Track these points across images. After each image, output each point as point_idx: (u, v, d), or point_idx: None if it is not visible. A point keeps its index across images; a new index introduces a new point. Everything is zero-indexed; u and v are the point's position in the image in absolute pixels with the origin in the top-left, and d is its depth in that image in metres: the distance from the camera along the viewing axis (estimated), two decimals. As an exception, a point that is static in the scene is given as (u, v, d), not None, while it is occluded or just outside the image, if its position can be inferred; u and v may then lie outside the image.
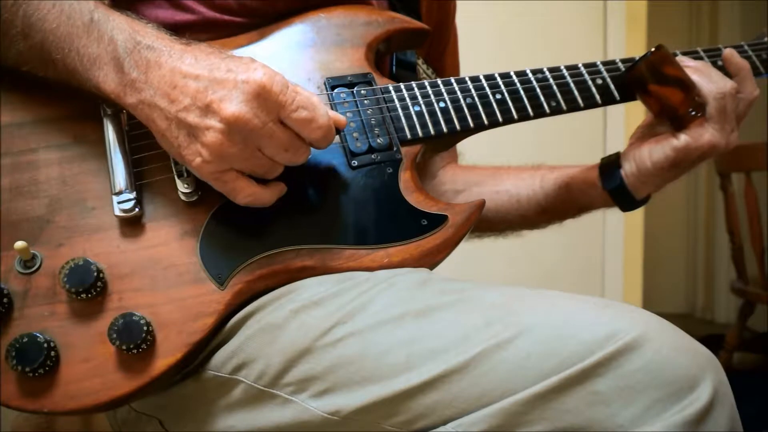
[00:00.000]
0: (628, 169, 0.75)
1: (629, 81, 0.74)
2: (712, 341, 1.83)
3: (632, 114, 2.19)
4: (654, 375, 0.47)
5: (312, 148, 0.60)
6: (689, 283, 4.00)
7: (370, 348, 0.54)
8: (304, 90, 0.57)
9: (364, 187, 0.64)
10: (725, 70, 0.76)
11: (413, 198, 0.65)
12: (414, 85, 0.70)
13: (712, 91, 0.71)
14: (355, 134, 0.66)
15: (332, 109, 0.67)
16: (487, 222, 0.91)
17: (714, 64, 0.77)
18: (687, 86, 0.71)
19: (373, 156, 0.66)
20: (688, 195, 3.95)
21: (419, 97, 0.69)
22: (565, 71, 0.74)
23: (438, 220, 0.64)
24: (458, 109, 0.70)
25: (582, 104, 0.74)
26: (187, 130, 0.56)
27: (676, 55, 0.77)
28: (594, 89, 0.74)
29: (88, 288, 0.55)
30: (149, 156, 0.62)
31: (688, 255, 3.98)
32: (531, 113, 0.72)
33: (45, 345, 0.53)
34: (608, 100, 0.75)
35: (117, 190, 0.59)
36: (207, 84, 0.55)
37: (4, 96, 0.63)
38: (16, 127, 0.62)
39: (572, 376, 0.48)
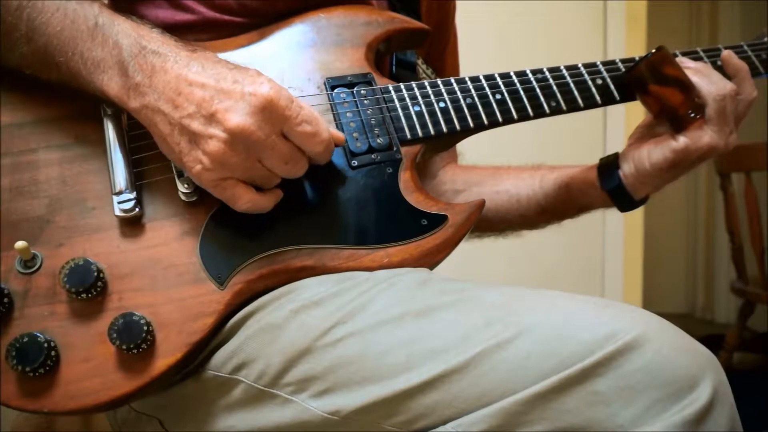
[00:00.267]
0: (626, 169, 0.76)
1: (629, 81, 0.74)
2: (712, 341, 1.83)
3: (632, 114, 2.19)
4: (654, 375, 0.47)
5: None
6: (689, 283, 4.00)
7: (370, 348, 0.54)
8: (307, 106, 0.58)
9: (364, 187, 0.65)
10: (725, 71, 0.76)
11: (413, 198, 0.65)
12: (414, 85, 0.70)
13: (712, 92, 0.71)
14: (355, 134, 0.66)
15: (332, 109, 0.67)
16: (487, 222, 0.91)
17: (714, 64, 0.77)
18: (687, 87, 0.71)
19: (373, 156, 0.66)
20: (688, 195, 3.95)
21: (419, 97, 0.69)
22: (564, 71, 0.74)
23: (438, 220, 0.64)
24: (458, 109, 0.70)
25: (582, 104, 0.74)
26: (189, 137, 0.56)
27: (676, 55, 0.77)
28: (594, 89, 0.74)
29: (88, 288, 0.55)
30: (149, 156, 0.62)
31: (688, 255, 3.98)
32: (531, 113, 0.72)
33: (45, 345, 0.53)
34: (608, 100, 0.75)
35: (117, 190, 0.59)
36: (213, 93, 0.55)
37: (4, 96, 0.63)
38: (16, 127, 0.62)
39: (572, 376, 0.48)
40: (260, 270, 0.60)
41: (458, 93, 0.70)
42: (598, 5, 2.29)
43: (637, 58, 0.73)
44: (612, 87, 0.75)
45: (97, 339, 0.55)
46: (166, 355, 0.56)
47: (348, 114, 0.67)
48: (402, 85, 0.70)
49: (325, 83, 0.68)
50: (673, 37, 3.67)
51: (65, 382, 0.54)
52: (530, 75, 0.73)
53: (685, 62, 0.74)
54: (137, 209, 0.59)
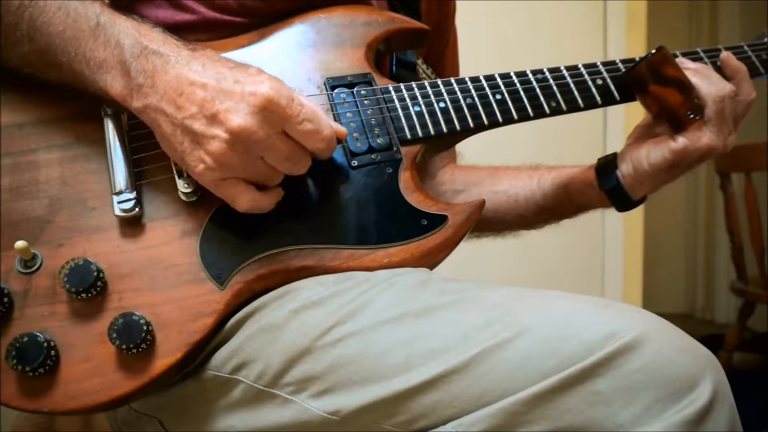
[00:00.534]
0: (624, 169, 0.76)
1: (629, 81, 0.74)
2: (712, 341, 1.84)
3: (632, 114, 2.19)
4: (654, 375, 0.47)
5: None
6: (689, 283, 4.00)
7: (370, 348, 0.54)
8: (308, 101, 0.58)
9: (364, 187, 0.65)
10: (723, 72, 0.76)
11: (413, 198, 0.65)
12: (414, 85, 0.70)
13: (712, 93, 0.71)
14: (355, 134, 0.66)
15: (332, 109, 0.67)
16: (486, 222, 0.91)
17: (714, 65, 0.77)
18: (686, 88, 0.71)
19: (373, 156, 0.66)
20: (688, 195, 3.95)
21: (419, 98, 0.69)
22: (564, 71, 0.74)
23: (438, 220, 0.64)
24: (458, 110, 0.70)
25: (582, 104, 0.74)
26: (191, 137, 0.56)
27: (676, 56, 0.77)
28: (594, 89, 0.74)
29: (88, 288, 0.55)
30: (149, 156, 0.62)
31: (688, 255, 3.98)
32: (531, 113, 0.72)
33: (45, 345, 0.53)
34: (608, 100, 0.75)
35: (117, 190, 0.59)
36: (214, 94, 0.55)
37: (4, 96, 0.63)
38: (16, 127, 0.62)
39: (572, 376, 0.48)
40: (260, 270, 0.60)
41: (458, 93, 0.70)
42: (598, 5, 2.29)
43: (637, 59, 0.73)
44: (612, 87, 0.75)
45: (97, 339, 0.55)
46: (166, 355, 0.56)
47: (348, 114, 0.67)
48: (402, 85, 0.70)
49: (325, 83, 0.68)
50: (673, 37, 3.68)
51: (65, 382, 0.54)
52: (530, 75, 0.73)
53: (685, 63, 0.74)
54: (137, 209, 0.59)
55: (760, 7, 3.09)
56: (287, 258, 0.61)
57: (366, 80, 0.69)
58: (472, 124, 0.70)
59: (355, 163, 0.65)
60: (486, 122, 0.70)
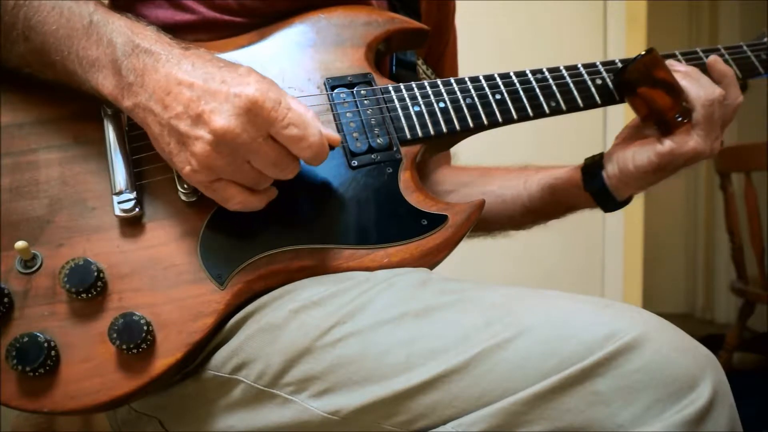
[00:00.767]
0: (610, 170, 0.76)
1: (619, 83, 0.74)
2: (712, 341, 1.83)
3: (632, 114, 2.18)
4: (654, 375, 0.47)
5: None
6: (689, 283, 4.00)
7: (370, 348, 0.54)
8: (299, 105, 0.56)
9: (363, 187, 0.65)
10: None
11: (413, 198, 0.65)
12: (414, 85, 0.70)
13: (701, 97, 0.71)
14: (354, 134, 0.66)
15: (332, 109, 0.67)
16: (478, 221, 0.91)
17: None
18: (676, 91, 0.71)
19: (372, 156, 0.66)
20: (688, 195, 3.95)
21: (419, 98, 0.69)
22: (564, 71, 0.75)
23: (438, 220, 0.64)
24: (458, 110, 0.70)
25: (581, 104, 0.74)
26: (177, 138, 0.55)
27: (673, 56, 0.77)
28: (593, 89, 0.75)
29: (88, 288, 0.55)
30: (149, 156, 0.62)
31: (688, 255, 3.98)
32: (530, 113, 0.72)
33: (45, 345, 0.53)
34: (608, 100, 0.75)
35: (117, 190, 0.59)
36: (200, 94, 0.54)
37: (4, 96, 0.63)
38: (16, 127, 0.62)
39: (572, 376, 0.48)
40: (260, 270, 0.60)
41: (458, 93, 0.71)
42: (598, 5, 2.29)
43: (619, 63, 0.73)
44: (611, 87, 0.75)
45: (97, 339, 0.55)
46: (166, 355, 0.56)
47: (348, 114, 0.67)
48: (402, 86, 0.70)
49: (325, 83, 0.68)
50: (672, 37, 3.68)
51: (65, 382, 0.54)
52: (530, 75, 0.73)
53: (675, 65, 0.74)
54: (137, 209, 0.59)
55: (760, 7, 3.09)
56: (287, 258, 0.61)
57: (366, 80, 0.69)
58: (471, 124, 0.70)
59: (355, 163, 0.65)
60: (485, 122, 0.70)
